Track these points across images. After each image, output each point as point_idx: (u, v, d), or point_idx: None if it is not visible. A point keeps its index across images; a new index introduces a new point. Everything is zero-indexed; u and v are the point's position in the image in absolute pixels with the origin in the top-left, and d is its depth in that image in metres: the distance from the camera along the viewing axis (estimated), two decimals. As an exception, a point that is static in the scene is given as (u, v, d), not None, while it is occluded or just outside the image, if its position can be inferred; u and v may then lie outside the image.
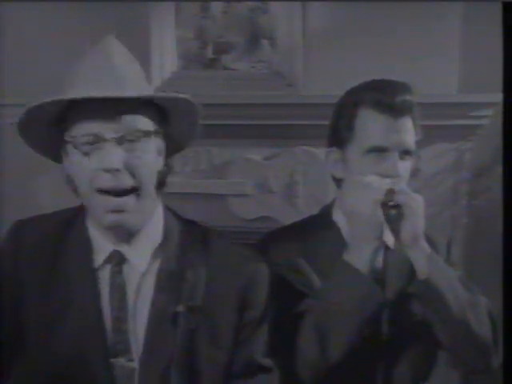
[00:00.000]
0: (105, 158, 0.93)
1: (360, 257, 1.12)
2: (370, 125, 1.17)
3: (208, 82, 2.09)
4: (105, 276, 1.03)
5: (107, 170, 0.93)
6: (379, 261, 1.20)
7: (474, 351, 1.14)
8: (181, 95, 0.99)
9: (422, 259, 1.12)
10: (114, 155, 0.93)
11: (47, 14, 2.16)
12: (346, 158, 1.21)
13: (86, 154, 0.94)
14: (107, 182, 0.94)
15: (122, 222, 0.97)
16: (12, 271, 1.04)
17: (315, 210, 1.37)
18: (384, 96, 1.15)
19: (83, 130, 0.94)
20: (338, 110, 1.24)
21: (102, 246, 1.03)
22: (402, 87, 1.17)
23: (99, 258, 1.03)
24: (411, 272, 1.14)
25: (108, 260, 1.03)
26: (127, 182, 0.95)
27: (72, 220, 1.08)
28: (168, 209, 1.10)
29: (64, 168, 1.02)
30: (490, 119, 1.89)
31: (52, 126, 0.99)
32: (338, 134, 1.22)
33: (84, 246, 1.04)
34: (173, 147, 1.07)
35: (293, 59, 2.06)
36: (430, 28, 1.96)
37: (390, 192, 1.11)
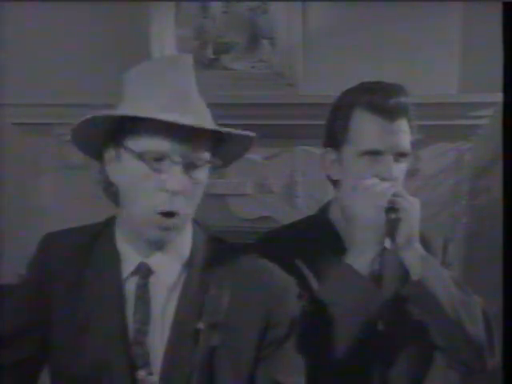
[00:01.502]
0: (169, 179, 0.92)
1: (362, 260, 1.12)
2: (365, 127, 1.17)
3: (208, 81, 2.09)
4: (131, 288, 1.01)
5: (168, 191, 0.92)
6: (376, 262, 1.20)
7: (469, 351, 1.14)
8: (251, 134, 1.00)
9: (416, 261, 1.12)
10: (180, 179, 0.92)
11: (47, 14, 2.17)
12: (342, 159, 1.21)
13: (156, 170, 0.92)
14: (164, 204, 0.93)
15: (166, 238, 0.97)
16: (40, 284, 1.04)
17: (315, 210, 1.37)
18: (378, 98, 1.15)
19: (151, 146, 0.92)
20: (334, 111, 1.24)
21: (130, 257, 1.02)
22: (397, 89, 1.17)
23: (126, 269, 1.02)
24: (406, 273, 1.14)
25: (135, 272, 1.02)
26: (182, 206, 0.94)
27: (100, 233, 1.06)
28: (195, 221, 1.08)
29: (104, 172, 1.00)
30: (490, 119, 1.89)
31: (109, 131, 0.97)
32: (334, 135, 1.22)
33: (112, 258, 1.03)
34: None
35: (293, 59, 2.06)
36: (429, 28, 1.96)
37: (389, 195, 1.11)
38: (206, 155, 0.96)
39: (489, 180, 2.05)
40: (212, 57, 2.15)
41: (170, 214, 0.94)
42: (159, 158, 0.92)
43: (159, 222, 0.94)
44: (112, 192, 1.01)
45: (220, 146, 1.00)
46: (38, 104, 2.09)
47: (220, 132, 0.96)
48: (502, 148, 1.06)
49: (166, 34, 2.11)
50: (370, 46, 1.97)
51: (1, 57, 2.16)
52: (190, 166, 0.94)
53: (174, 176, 0.92)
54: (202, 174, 0.96)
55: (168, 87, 0.94)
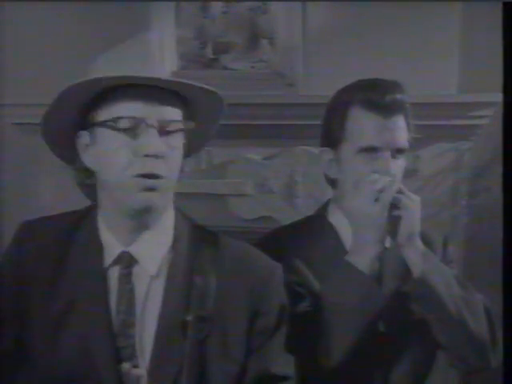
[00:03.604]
0: (146, 143, 0.92)
1: (363, 258, 1.12)
2: (362, 124, 1.17)
3: (208, 82, 2.08)
4: (113, 277, 1.00)
5: (147, 155, 0.92)
6: (377, 260, 1.20)
7: (472, 349, 1.14)
8: (218, 92, 1.02)
9: (417, 258, 1.12)
10: (156, 142, 0.92)
11: (47, 15, 2.17)
12: (339, 157, 1.22)
13: (131, 136, 0.93)
14: (145, 167, 0.92)
15: (152, 202, 0.95)
16: (18, 273, 1.02)
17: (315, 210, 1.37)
18: (374, 95, 1.16)
19: (125, 112, 0.93)
20: (329, 110, 1.24)
21: (112, 246, 1.00)
22: (393, 86, 1.18)
23: (108, 258, 1.00)
24: (407, 271, 1.14)
25: (117, 261, 1.00)
26: (163, 170, 0.94)
27: (81, 221, 1.05)
28: (178, 210, 1.07)
29: (82, 163, 1.00)
30: (490, 119, 1.89)
31: (79, 111, 0.98)
32: (331, 134, 1.23)
33: (93, 246, 1.01)
34: (188, 149, 1.05)
35: (293, 59, 2.07)
36: (429, 28, 1.96)
37: (391, 192, 1.11)
38: (179, 119, 0.97)
39: (489, 180, 2.05)
40: (212, 57, 2.15)
41: (150, 176, 0.93)
42: (134, 124, 0.92)
43: (140, 184, 0.93)
44: (89, 185, 1.01)
45: (191, 110, 1.01)
46: (38, 104, 2.08)
47: (189, 99, 0.99)
48: (502, 148, 1.06)
49: (166, 34, 2.11)
50: (369, 46, 1.97)
51: (1, 57, 2.16)
52: (164, 132, 0.94)
53: (150, 140, 0.92)
54: (177, 140, 0.97)
55: (135, 56, 0.98)
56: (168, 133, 0.95)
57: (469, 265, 1.87)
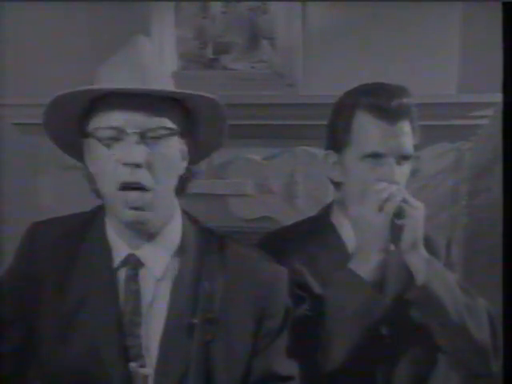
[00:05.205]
0: (126, 152, 0.92)
1: (366, 266, 1.11)
2: (367, 130, 1.16)
3: (208, 81, 2.09)
4: (121, 278, 1.02)
5: (127, 164, 0.92)
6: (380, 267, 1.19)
7: (474, 355, 1.14)
8: (206, 94, 0.99)
9: (421, 265, 1.12)
10: (136, 150, 0.92)
11: (47, 14, 2.17)
12: (344, 161, 1.20)
13: (108, 146, 0.93)
14: (127, 176, 0.92)
15: (141, 219, 0.96)
16: (27, 273, 1.03)
17: (315, 211, 1.37)
18: (380, 100, 1.14)
19: (105, 122, 0.93)
20: (335, 113, 1.23)
21: (119, 248, 1.02)
22: (399, 91, 1.17)
23: (117, 259, 1.02)
24: (410, 277, 1.13)
25: (124, 263, 1.02)
26: (146, 179, 0.93)
27: (90, 222, 1.06)
28: (185, 213, 1.08)
29: (86, 166, 1.02)
30: (490, 119, 1.89)
31: (76, 120, 0.98)
32: (335, 137, 1.21)
33: (102, 247, 1.03)
34: (197, 154, 1.06)
35: (293, 59, 2.06)
36: (429, 28, 1.96)
37: (397, 201, 1.11)
38: (166, 125, 0.95)
39: (489, 180, 2.05)
40: (212, 57, 2.14)
41: (133, 188, 0.93)
42: (114, 134, 0.92)
43: (125, 199, 0.93)
44: (96, 187, 1.01)
45: (188, 117, 1.00)
46: (38, 104, 2.08)
47: (186, 103, 0.98)
48: (502, 148, 1.06)
49: (165, 34, 2.11)
50: (369, 47, 1.97)
51: (1, 57, 2.16)
52: (149, 138, 0.93)
53: (129, 148, 0.92)
54: (165, 147, 0.95)
55: (125, 63, 0.96)
56: (154, 140, 0.94)
57: (469, 265, 1.87)
